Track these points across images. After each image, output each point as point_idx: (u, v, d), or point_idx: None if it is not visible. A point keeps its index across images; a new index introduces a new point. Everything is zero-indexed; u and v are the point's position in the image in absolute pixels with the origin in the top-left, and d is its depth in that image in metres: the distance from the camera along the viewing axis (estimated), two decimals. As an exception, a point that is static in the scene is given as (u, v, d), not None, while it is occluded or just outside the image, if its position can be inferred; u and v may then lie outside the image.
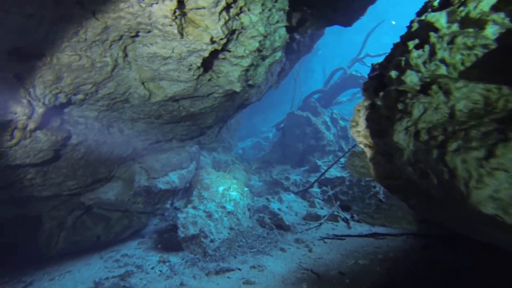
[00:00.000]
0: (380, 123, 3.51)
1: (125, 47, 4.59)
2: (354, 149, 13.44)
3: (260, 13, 4.93)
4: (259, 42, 5.64)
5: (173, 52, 4.57)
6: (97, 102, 5.19)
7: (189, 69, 5.14)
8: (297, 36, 10.68)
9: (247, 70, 6.36)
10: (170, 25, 4.06)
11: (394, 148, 3.00)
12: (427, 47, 3.02)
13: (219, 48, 4.88)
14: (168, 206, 7.92)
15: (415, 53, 3.10)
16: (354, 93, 19.22)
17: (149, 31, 4.33)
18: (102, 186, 6.51)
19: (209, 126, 9.31)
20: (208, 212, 8.05)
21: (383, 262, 6.48)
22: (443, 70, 2.90)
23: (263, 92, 10.13)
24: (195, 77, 5.40)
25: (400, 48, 3.66)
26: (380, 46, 16.71)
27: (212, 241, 7.39)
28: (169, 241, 7.62)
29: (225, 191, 9.20)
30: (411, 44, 3.25)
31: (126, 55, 4.72)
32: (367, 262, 6.58)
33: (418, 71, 3.05)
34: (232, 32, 5.10)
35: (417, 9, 3.94)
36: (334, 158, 13.79)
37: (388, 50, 4.26)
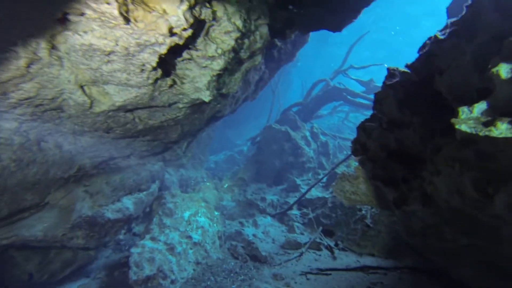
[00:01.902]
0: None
1: (53, 36, 3.31)
2: (341, 170, 12.52)
3: (238, 1, 3.82)
4: (236, 40, 4.53)
5: (116, 45, 3.35)
6: (14, 110, 3.84)
7: (142, 71, 3.92)
8: (278, 43, 9.70)
9: (219, 76, 5.21)
10: (108, 3, 2.85)
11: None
12: None
13: (181, 43, 3.70)
14: (121, 237, 6.52)
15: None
16: (335, 106, 18.49)
17: (82, 14, 3.09)
18: (28, 217, 5.05)
19: (175, 141, 8.02)
20: (169, 245, 6.72)
21: (381, 312, 5.42)
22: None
23: (239, 103, 9.00)
24: (150, 81, 4.17)
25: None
26: (360, 60, 16.15)
27: (172, 282, 6.05)
28: (120, 281, 6.20)
29: (192, 217, 7.90)
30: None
31: (54, 47, 3.43)
32: (361, 312, 5.50)
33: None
34: (200, 23, 3.95)
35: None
36: (314, 176, 12.80)
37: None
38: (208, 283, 6.53)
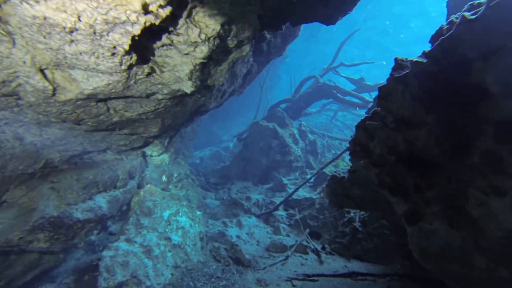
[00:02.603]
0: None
1: None
2: (329, 170, 12.18)
3: (223, -21, 3.35)
4: (222, 25, 4.05)
5: (79, 20, 2.83)
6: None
7: (113, 54, 3.40)
8: (267, 35, 9.24)
9: (203, 65, 4.72)
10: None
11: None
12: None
13: (158, 22, 3.21)
14: (93, 238, 5.99)
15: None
16: (324, 104, 18.16)
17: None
18: (-20, 218, 4.47)
19: (156, 136, 7.49)
20: (146, 247, 6.22)
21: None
22: None
23: (225, 97, 8.52)
24: (124, 67, 3.66)
25: None
26: (349, 59, 15.82)
27: (148, 288, 5.57)
28: None
29: (172, 217, 7.41)
30: None
31: (0, 19, 2.89)
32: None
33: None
34: (182, 2, 3.46)
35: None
36: (301, 175, 12.44)
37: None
38: (187, 289, 6.08)
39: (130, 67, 3.83)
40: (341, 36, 16.31)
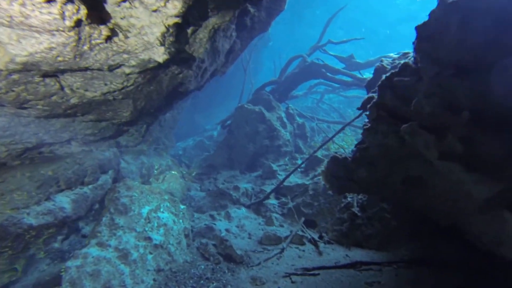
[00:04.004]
0: None
1: None
2: (321, 154, 11.47)
3: None
4: (197, -30, 3.14)
5: None
6: None
7: (49, 2, 2.47)
8: (251, 9, 8.31)
9: (177, 28, 3.81)
10: None
11: None
12: None
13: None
14: (56, 245, 5.07)
15: None
16: (311, 86, 17.35)
17: None
18: None
19: (129, 122, 6.53)
20: (122, 251, 5.36)
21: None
22: None
23: (206, 76, 7.59)
24: (69, 23, 2.72)
25: None
26: (334, 39, 14.95)
27: (125, 300, 4.73)
28: (55, 304, 4.78)
29: (152, 213, 6.55)
30: None
31: None
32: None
33: None
34: None
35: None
36: (291, 161, 11.72)
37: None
38: (172, 296, 5.28)
39: (79, 24, 2.89)
40: (325, 18, 15.37)
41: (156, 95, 5.78)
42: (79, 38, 3.06)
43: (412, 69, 2.59)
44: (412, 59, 2.91)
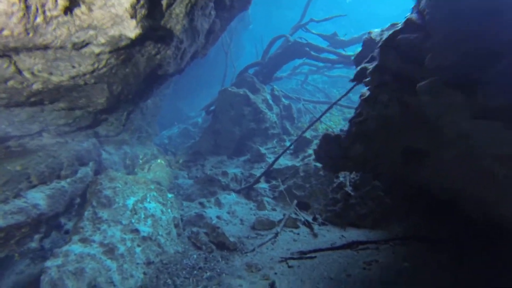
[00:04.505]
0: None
1: None
2: (310, 135, 11.22)
3: None
4: None
5: None
6: None
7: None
8: (229, -16, 7.84)
9: (149, -2, 3.41)
10: None
11: None
12: None
13: None
14: (33, 245, 4.71)
15: None
16: (295, 67, 16.98)
17: None
18: None
19: (106, 110, 6.10)
20: (108, 245, 5.05)
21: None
22: None
23: (186, 58, 7.16)
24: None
25: None
26: (313, 24, 14.47)
27: (113, 297, 4.45)
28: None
29: (138, 204, 6.23)
30: None
31: None
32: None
33: None
34: None
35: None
36: (279, 143, 11.48)
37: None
38: (165, 289, 5.02)
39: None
40: (304, 1, 14.79)
41: (133, 78, 5.36)
42: (27, 7, 2.64)
43: (417, 25, 2.31)
44: (415, 15, 2.62)
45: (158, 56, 5.28)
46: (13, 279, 4.80)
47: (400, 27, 2.67)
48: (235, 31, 18.59)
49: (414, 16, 2.44)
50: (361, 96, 3.39)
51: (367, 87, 3.38)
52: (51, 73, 3.80)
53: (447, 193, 3.73)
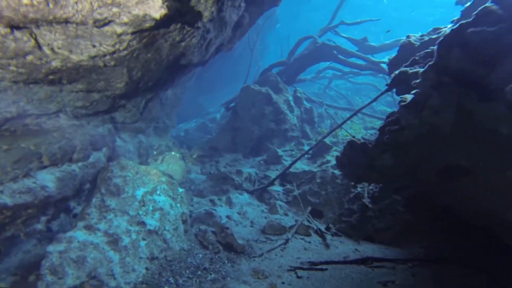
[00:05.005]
0: None
1: None
2: (329, 141, 10.85)
3: None
4: None
5: None
6: None
7: None
8: (261, -24, 7.59)
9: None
10: None
11: None
12: None
13: None
14: (39, 227, 4.57)
15: None
16: (320, 70, 16.55)
17: None
18: None
19: (125, 95, 5.96)
20: (112, 236, 4.86)
21: None
22: None
23: (211, 50, 6.94)
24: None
25: None
26: (343, 27, 13.98)
27: (112, 291, 4.24)
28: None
29: (148, 196, 6.03)
30: None
31: None
32: None
33: None
34: None
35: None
36: (297, 146, 11.14)
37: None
38: (166, 287, 4.79)
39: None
40: (332, 2, 14.28)
41: (155, 65, 5.16)
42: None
43: (497, 16, 1.95)
44: (493, 4, 2.22)
45: (183, 44, 5.06)
46: (19, 257, 4.68)
47: (472, 19, 2.29)
48: (262, 28, 18.32)
49: (493, 5, 2.06)
50: (401, 101, 3.04)
51: (411, 92, 3.01)
52: (71, 51, 3.62)
53: (481, 216, 3.33)
